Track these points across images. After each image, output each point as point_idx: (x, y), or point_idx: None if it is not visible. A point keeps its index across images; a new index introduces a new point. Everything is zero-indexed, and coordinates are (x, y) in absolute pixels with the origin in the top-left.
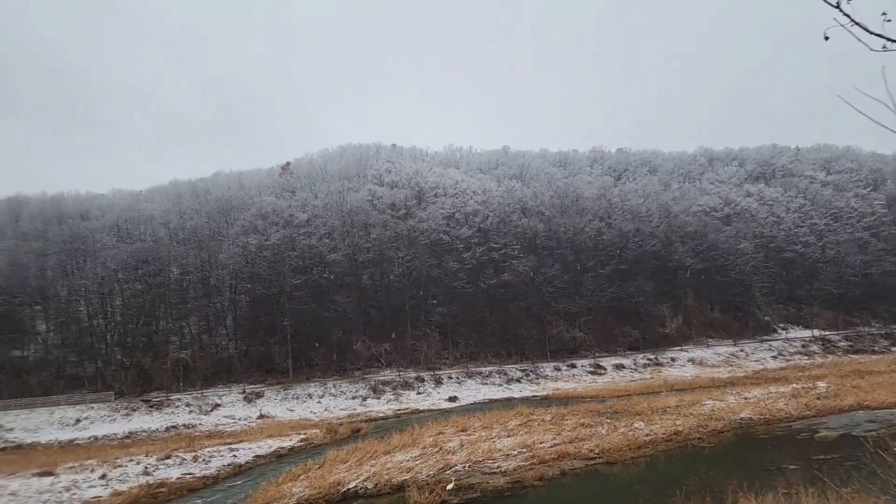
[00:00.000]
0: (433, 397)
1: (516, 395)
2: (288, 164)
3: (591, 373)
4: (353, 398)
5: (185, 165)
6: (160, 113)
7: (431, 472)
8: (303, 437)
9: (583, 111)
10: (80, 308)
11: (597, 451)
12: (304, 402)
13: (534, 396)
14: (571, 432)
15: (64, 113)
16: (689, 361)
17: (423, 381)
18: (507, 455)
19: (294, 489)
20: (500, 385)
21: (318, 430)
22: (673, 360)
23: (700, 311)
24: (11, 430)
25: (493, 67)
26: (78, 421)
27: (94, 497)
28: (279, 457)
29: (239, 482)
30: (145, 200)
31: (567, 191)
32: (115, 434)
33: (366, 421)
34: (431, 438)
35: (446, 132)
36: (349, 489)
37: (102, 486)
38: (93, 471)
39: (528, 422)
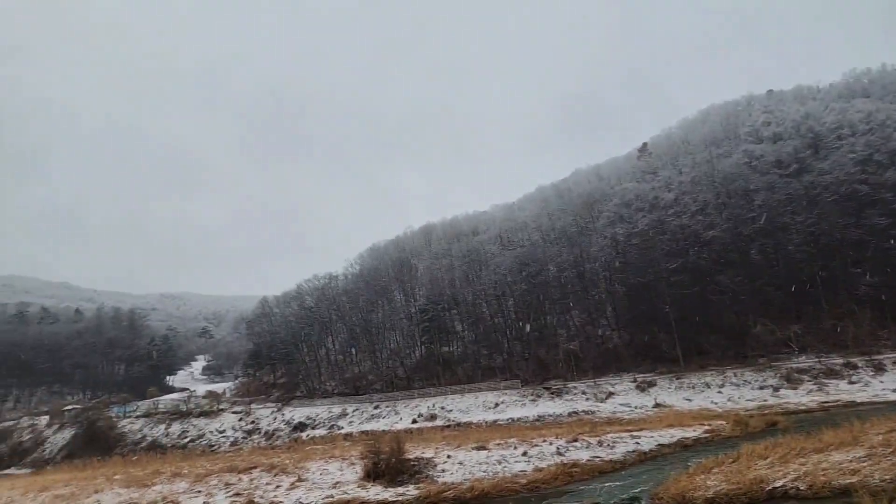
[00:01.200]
0: (873, 387)
1: None
2: (645, 144)
3: None
4: (762, 388)
5: (546, 170)
6: (518, 130)
7: (887, 477)
8: (707, 428)
9: None
10: (482, 309)
11: None
12: (702, 391)
13: None
14: None
15: (448, 151)
16: None
17: (854, 367)
18: None
19: (708, 482)
20: None
21: (723, 422)
22: None
23: None
24: (451, 411)
25: None
26: (496, 405)
27: (521, 471)
28: (684, 447)
29: (644, 469)
30: (518, 209)
31: None
32: (527, 417)
33: (781, 414)
34: (881, 437)
35: (841, 58)
36: (776, 488)
37: (525, 461)
38: (515, 448)
39: None
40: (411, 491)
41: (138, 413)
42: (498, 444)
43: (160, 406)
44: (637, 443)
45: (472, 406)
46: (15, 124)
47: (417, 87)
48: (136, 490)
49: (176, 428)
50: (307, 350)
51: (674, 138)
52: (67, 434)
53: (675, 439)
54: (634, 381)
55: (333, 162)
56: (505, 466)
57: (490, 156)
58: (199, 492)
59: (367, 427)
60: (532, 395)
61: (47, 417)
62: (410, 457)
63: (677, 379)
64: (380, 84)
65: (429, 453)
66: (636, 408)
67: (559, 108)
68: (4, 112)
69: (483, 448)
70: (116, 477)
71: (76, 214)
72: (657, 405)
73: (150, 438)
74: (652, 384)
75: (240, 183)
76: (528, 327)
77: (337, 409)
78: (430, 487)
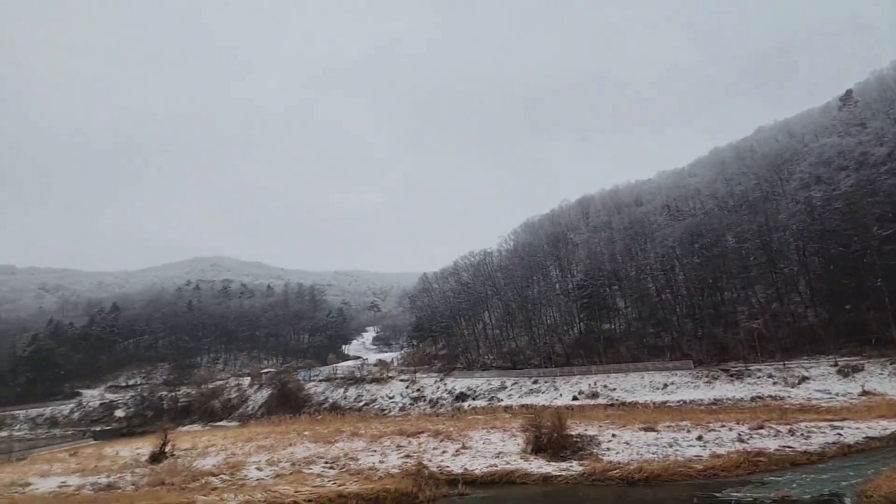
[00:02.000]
0: None
1: None
2: (848, 92)
3: None
4: None
5: (719, 132)
6: (682, 91)
7: None
8: None
9: None
10: (647, 285)
11: None
12: None
13: None
14: None
15: (603, 120)
16: None
17: None
18: None
19: None
20: None
21: None
22: None
23: None
24: (614, 389)
25: None
26: (665, 385)
27: (695, 456)
28: None
29: (848, 463)
30: (689, 176)
31: None
32: (701, 400)
33: None
34: None
35: None
36: None
37: (700, 446)
38: (688, 431)
39: None
40: (575, 467)
41: (320, 378)
42: (668, 427)
43: (338, 372)
44: (839, 434)
45: (637, 385)
46: (209, 123)
47: (566, 55)
48: (322, 446)
49: (352, 392)
50: (465, 324)
51: (887, 81)
52: (265, 393)
53: (888, 432)
54: (835, 364)
55: (483, 138)
56: (677, 450)
57: (651, 121)
58: (375, 451)
59: (526, 401)
60: (707, 376)
61: (249, 378)
62: (573, 433)
63: (891, 364)
64: (526, 56)
65: (592, 431)
66: (837, 395)
67: (732, 64)
68: (200, 110)
69: (651, 429)
70: (305, 433)
71: (260, 202)
72: (865, 393)
73: (331, 400)
74: (858, 369)
75: (397, 165)
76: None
77: (496, 382)
78: (594, 465)
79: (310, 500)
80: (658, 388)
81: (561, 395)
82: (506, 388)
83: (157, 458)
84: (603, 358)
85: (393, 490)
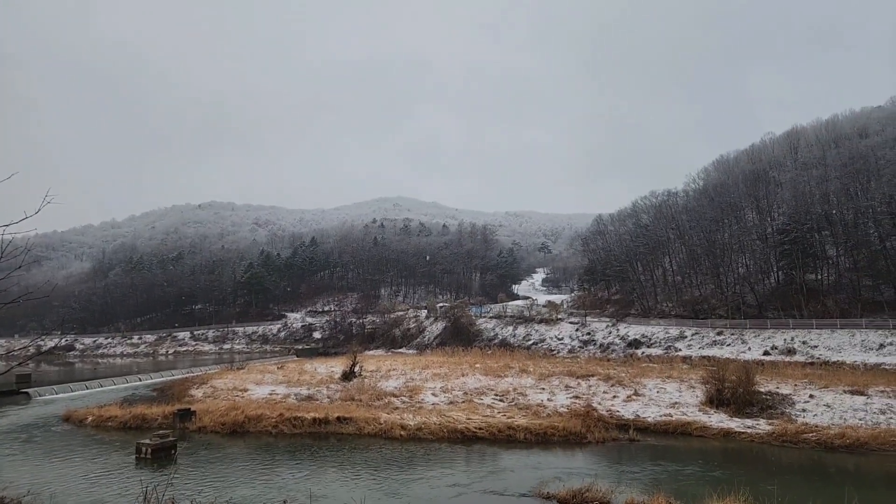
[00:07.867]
0: None
1: None
2: None
3: None
4: None
5: None
6: None
7: None
8: None
9: None
10: (868, 230)
11: None
12: None
13: None
14: None
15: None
16: None
17: None
18: None
19: None
20: None
21: None
22: None
23: None
24: (815, 347)
25: None
26: (881, 346)
27: None
28: None
29: None
30: None
31: None
32: None
33: None
34: None
35: None
36: None
37: None
38: None
39: None
40: (762, 425)
41: (491, 315)
42: (882, 392)
43: (508, 310)
44: None
45: (844, 344)
46: (395, 76)
47: None
48: (492, 379)
49: (521, 331)
50: (642, 269)
51: None
52: (440, 326)
53: None
54: None
55: (668, 71)
56: (891, 417)
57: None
58: (543, 389)
59: (708, 353)
60: None
61: (425, 311)
62: (762, 389)
63: None
64: None
65: (785, 389)
66: None
67: None
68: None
69: (860, 393)
70: (476, 366)
71: (436, 145)
72: None
73: (500, 337)
74: None
75: (570, 105)
76: None
77: (674, 331)
78: (786, 426)
79: (480, 428)
80: (872, 349)
81: (749, 349)
82: (685, 337)
83: (347, 376)
84: (804, 312)
85: (561, 428)
